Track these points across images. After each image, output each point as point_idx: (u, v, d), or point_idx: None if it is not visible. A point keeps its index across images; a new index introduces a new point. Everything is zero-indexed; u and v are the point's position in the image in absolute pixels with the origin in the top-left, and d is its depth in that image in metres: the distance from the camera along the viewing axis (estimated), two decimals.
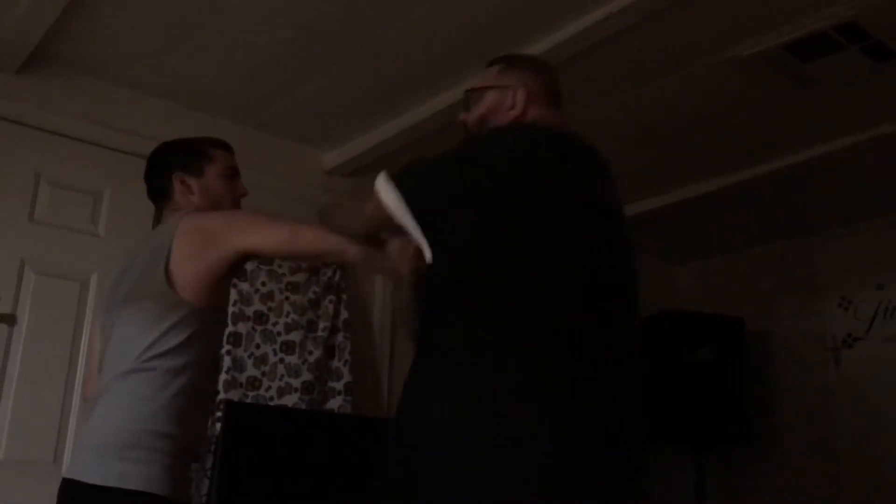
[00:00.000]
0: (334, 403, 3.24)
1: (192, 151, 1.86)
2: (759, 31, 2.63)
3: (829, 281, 4.26)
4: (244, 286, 3.15)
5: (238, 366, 3.05)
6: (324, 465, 2.86)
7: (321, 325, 3.29)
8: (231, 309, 3.06)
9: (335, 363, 3.30)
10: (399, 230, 1.36)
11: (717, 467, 4.31)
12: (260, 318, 3.16)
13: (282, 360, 3.17)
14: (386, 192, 1.33)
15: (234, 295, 3.09)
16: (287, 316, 3.22)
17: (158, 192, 1.85)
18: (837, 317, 4.19)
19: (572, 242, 1.31)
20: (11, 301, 2.72)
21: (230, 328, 3.04)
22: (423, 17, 2.58)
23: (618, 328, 1.33)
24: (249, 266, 3.17)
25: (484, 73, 1.68)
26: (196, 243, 1.65)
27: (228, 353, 3.03)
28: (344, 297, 3.40)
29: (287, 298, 3.24)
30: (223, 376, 2.98)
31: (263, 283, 3.20)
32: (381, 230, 1.45)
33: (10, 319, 2.70)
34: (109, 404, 1.60)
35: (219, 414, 2.81)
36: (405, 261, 1.44)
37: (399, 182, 1.34)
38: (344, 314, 3.37)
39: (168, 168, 1.83)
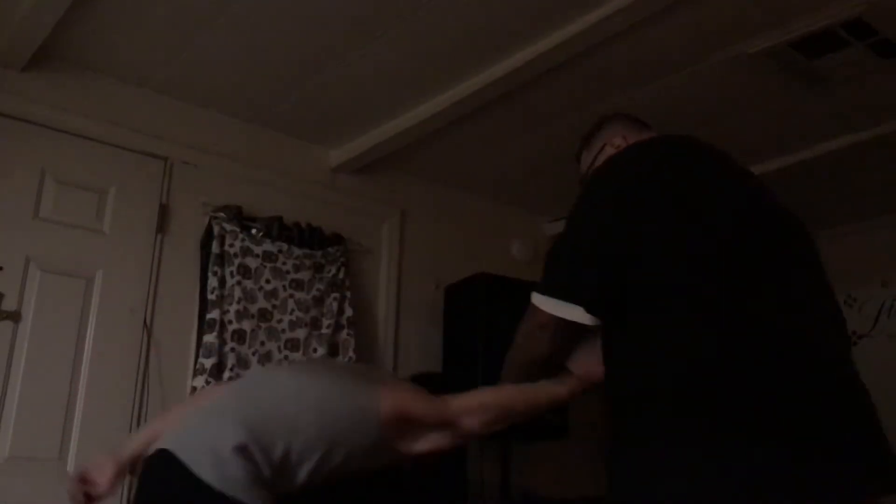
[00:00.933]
0: None
1: None
2: (765, 28, 2.62)
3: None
4: (248, 283, 3.15)
5: (242, 363, 3.04)
6: None
7: (325, 322, 3.29)
8: (235, 307, 3.07)
9: (339, 361, 3.30)
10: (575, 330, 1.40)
11: None
12: (264, 315, 3.16)
13: (286, 358, 3.16)
14: (547, 304, 1.38)
15: (238, 292, 3.09)
16: (291, 313, 3.22)
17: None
18: None
19: (712, 248, 1.35)
20: (16, 298, 2.72)
21: (234, 325, 3.05)
22: (427, 16, 2.58)
23: (799, 319, 1.34)
24: (253, 264, 3.17)
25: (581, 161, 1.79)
26: (425, 397, 1.83)
27: (233, 350, 3.02)
28: (348, 294, 3.40)
29: (291, 296, 3.25)
30: (227, 374, 2.98)
31: (268, 281, 3.20)
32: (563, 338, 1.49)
33: (15, 317, 2.70)
34: (248, 430, 1.65)
35: None
36: (596, 362, 1.46)
37: (551, 289, 1.38)
38: (348, 311, 3.37)
39: None
